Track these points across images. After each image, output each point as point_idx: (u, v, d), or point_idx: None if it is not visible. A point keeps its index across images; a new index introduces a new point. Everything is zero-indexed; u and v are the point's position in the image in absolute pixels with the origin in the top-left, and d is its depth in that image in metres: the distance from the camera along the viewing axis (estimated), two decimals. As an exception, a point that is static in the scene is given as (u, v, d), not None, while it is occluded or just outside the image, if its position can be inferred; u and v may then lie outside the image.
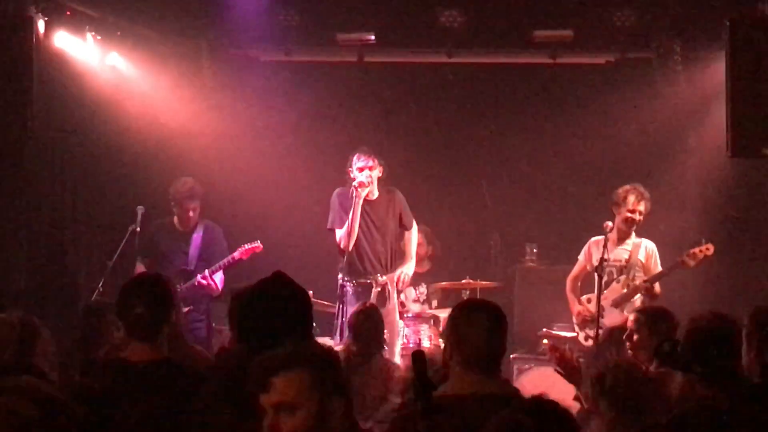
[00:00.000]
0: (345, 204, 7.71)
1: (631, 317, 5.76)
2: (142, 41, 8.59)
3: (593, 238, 7.91)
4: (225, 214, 8.63)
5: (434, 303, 8.85)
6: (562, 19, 8.51)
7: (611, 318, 7.53)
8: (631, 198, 7.69)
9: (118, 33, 8.43)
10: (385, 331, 6.91)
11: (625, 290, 7.72)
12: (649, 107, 8.89)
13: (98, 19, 8.23)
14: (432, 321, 8.05)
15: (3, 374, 3.74)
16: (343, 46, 8.89)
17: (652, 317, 5.63)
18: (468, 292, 8.35)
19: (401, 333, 7.86)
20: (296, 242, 9.00)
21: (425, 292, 8.74)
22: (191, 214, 8.03)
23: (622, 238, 7.80)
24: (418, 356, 2.72)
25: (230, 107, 9.21)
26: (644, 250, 7.79)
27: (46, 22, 7.63)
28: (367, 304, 7.09)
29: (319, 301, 7.59)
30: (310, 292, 8.23)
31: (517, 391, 3.72)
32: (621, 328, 6.10)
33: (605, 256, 7.36)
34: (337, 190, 7.86)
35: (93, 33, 8.20)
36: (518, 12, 8.53)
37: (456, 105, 9.73)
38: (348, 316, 7.04)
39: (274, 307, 3.64)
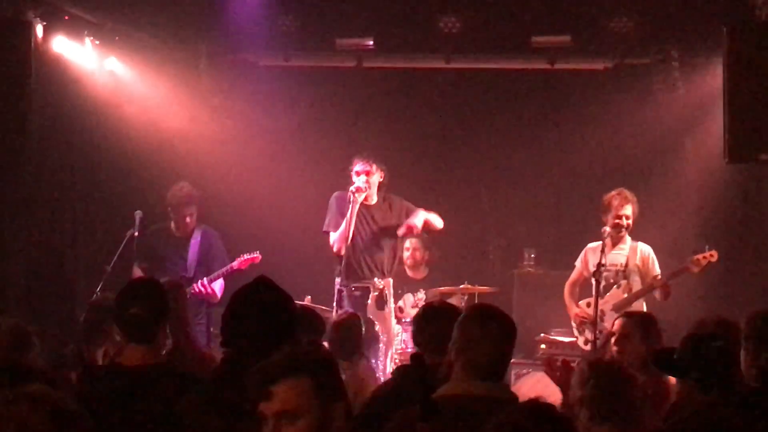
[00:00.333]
0: (342, 207, 7.74)
1: (619, 322, 5.72)
2: (140, 46, 8.60)
3: (589, 245, 7.93)
4: (223, 219, 8.63)
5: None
6: (561, 25, 8.52)
7: (612, 322, 7.52)
8: (615, 203, 7.69)
9: (117, 38, 8.45)
10: (384, 336, 6.89)
11: (625, 295, 7.73)
12: (646, 113, 8.90)
13: (97, 24, 8.24)
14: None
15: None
16: (342, 51, 8.91)
17: (643, 322, 5.61)
18: (466, 297, 8.35)
19: (399, 338, 7.86)
20: (295, 247, 8.99)
21: (423, 298, 8.73)
22: (188, 219, 8.03)
23: (616, 243, 7.81)
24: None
25: (229, 112, 9.22)
26: (640, 253, 7.80)
27: (44, 27, 7.64)
28: (348, 313, 6.96)
29: (318, 306, 7.59)
30: (308, 297, 8.24)
31: (515, 396, 3.72)
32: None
33: (602, 261, 7.37)
34: (335, 194, 7.90)
35: (91, 38, 8.22)
36: (516, 18, 8.55)
37: (454, 110, 9.75)
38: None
39: (256, 312, 3.63)
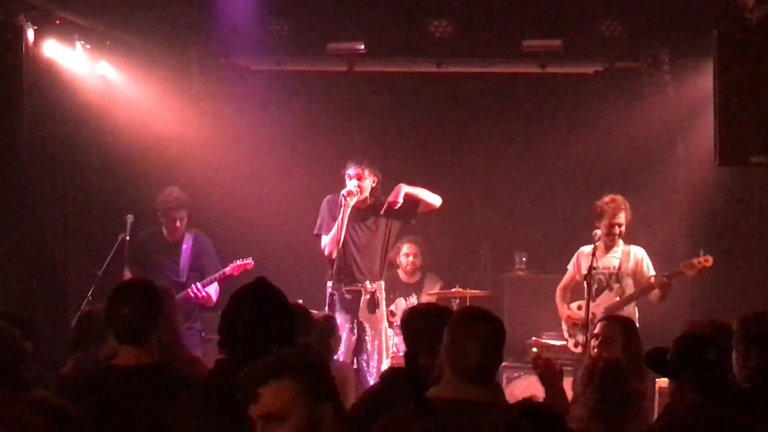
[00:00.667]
0: (333, 211, 7.74)
1: (602, 325, 5.74)
2: (131, 50, 8.59)
3: (582, 248, 7.94)
4: (214, 223, 8.62)
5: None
6: (551, 29, 8.54)
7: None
8: (609, 210, 7.71)
9: (108, 42, 8.43)
10: (374, 341, 6.86)
11: (618, 298, 7.74)
12: (637, 116, 8.91)
13: (88, 28, 8.22)
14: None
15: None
16: (333, 55, 8.91)
17: (626, 325, 5.65)
18: (458, 301, 8.36)
19: (391, 342, 7.87)
20: (286, 251, 9.00)
21: (416, 302, 8.73)
22: (178, 224, 8.01)
23: (609, 247, 7.83)
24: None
25: (220, 116, 9.22)
26: (633, 257, 7.81)
27: (35, 30, 7.61)
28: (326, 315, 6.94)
29: (310, 310, 7.58)
30: (300, 301, 8.25)
31: (505, 399, 3.72)
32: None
33: (594, 264, 7.38)
34: (327, 197, 7.90)
35: (82, 42, 8.19)
36: (507, 22, 8.57)
37: (445, 114, 9.76)
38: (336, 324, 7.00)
39: (255, 314, 3.63)
